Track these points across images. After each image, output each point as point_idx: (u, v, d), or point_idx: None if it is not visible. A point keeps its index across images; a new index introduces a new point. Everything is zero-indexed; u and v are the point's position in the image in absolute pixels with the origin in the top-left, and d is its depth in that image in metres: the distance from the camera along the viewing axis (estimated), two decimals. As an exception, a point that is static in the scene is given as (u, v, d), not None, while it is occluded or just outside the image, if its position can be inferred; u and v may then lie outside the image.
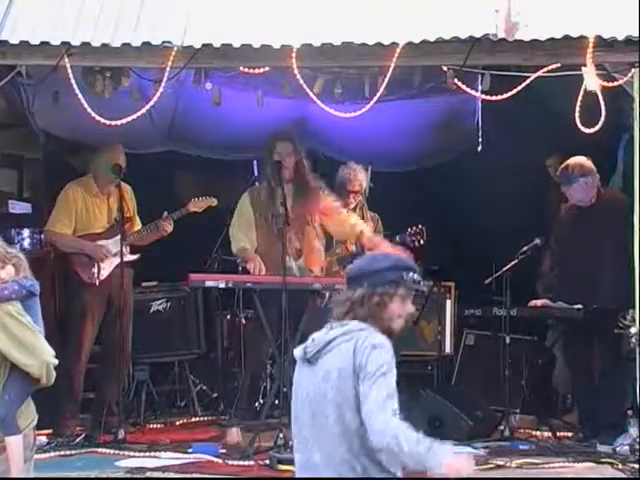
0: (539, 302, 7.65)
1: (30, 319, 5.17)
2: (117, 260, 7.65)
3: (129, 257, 7.72)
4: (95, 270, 7.60)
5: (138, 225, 7.89)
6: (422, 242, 8.09)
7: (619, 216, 7.15)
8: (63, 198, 7.74)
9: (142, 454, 6.80)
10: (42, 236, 8.19)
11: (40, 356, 5.18)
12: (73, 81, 6.39)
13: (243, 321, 8.72)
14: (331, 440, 3.73)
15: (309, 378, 3.82)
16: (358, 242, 7.75)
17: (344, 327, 3.81)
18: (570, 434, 7.56)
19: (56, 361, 5.30)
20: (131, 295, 7.83)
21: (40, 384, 5.26)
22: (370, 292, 3.83)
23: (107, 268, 7.65)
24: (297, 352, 3.89)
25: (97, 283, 7.58)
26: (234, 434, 7.25)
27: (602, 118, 6.33)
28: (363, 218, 8.17)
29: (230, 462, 6.62)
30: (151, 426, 8.13)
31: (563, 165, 7.50)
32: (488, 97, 6.74)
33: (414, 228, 8.10)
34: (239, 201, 7.71)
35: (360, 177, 8.14)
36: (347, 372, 3.71)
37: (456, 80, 6.52)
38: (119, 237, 7.66)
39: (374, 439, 3.66)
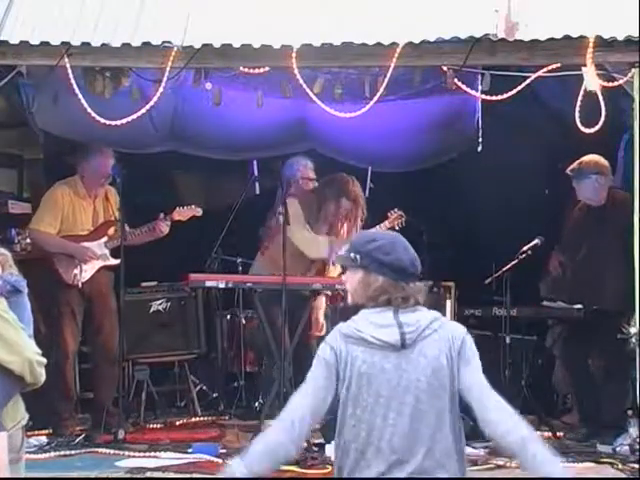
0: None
1: (15, 316, 5.11)
2: (100, 263, 7.64)
3: (112, 261, 7.69)
4: (77, 271, 7.55)
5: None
6: (403, 224, 8.04)
7: (628, 218, 7.14)
8: (51, 197, 7.68)
9: (142, 454, 6.80)
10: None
11: (21, 353, 5.06)
12: (73, 81, 6.40)
13: (243, 321, 8.75)
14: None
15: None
16: None
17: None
18: (570, 434, 7.56)
19: (42, 359, 5.22)
20: (112, 297, 7.74)
21: (26, 384, 5.21)
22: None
23: (89, 270, 7.61)
24: (385, 337, 3.61)
25: (80, 285, 7.54)
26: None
27: (602, 118, 6.33)
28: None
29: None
30: (151, 426, 8.12)
31: (578, 161, 7.47)
32: (488, 97, 6.74)
33: (393, 213, 8.05)
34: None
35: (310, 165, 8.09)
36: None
37: (456, 80, 6.52)
38: (104, 240, 7.68)
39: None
